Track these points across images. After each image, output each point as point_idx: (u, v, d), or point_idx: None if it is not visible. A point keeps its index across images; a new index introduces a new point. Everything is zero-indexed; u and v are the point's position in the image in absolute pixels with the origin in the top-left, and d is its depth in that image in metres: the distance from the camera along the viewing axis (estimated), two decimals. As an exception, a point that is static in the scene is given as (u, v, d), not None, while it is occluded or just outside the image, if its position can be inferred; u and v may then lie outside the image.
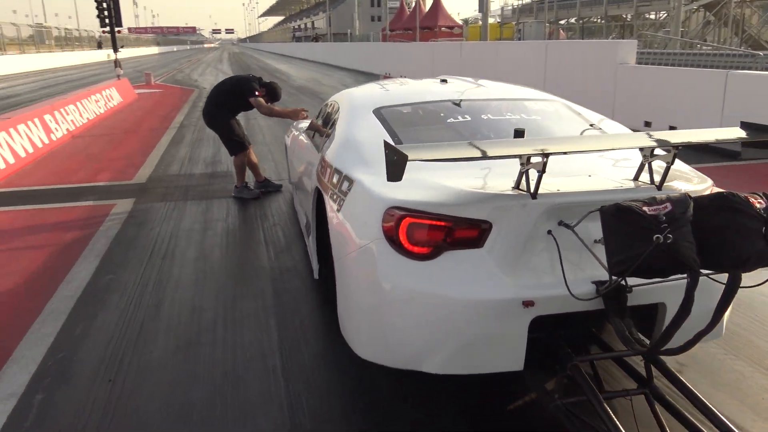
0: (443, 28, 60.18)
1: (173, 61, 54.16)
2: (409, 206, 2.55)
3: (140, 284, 4.46)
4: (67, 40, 59.20)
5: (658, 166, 2.62)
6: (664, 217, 2.01)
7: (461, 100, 3.86)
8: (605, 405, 2.33)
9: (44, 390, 3.12)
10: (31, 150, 9.22)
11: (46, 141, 10.03)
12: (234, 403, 2.99)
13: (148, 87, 23.42)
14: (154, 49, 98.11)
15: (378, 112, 3.71)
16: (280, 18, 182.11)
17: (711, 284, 2.29)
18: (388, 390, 3.10)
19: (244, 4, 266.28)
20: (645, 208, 2.03)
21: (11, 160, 8.39)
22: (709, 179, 2.91)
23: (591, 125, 3.65)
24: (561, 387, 2.52)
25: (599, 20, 42.93)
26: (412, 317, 2.56)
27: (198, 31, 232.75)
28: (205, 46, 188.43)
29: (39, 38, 56.10)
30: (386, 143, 2.35)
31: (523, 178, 2.48)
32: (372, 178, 2.91)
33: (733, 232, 2.05)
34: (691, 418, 2.40)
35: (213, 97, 6.78)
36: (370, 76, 28.46)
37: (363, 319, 2.79)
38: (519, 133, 3.10)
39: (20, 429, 2.82)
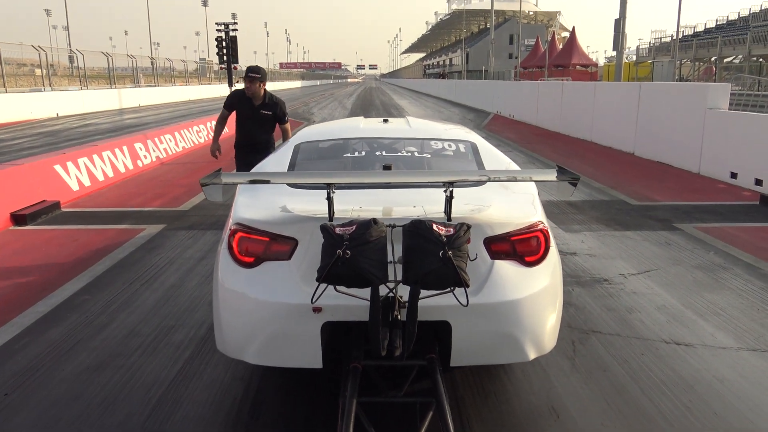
0: (577, 66, 58.85)
1: (307, 95, 57.11)
2: (243, 222, 3.05)
3: (105, 306, 4.79)
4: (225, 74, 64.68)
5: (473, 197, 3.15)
6: (348, 236, 2.44)
7: (371, 138, 4.23)
8: (353, 406, 2.66)
9: (-52, 396, 3.46)
10: (111, 175, 10.19)
11: (131, 167, 11.03)
12: (90, 429, 3.14)
13: (264, 119, 24.88)
14: (297, 83, 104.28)
15: (297, 146, 4.13)
16: (421, 54, 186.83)
17: (496, 308, 2.85)
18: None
19: (389, 41, 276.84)
20: (336, 229, 2.50)
21: (87, 183, 9.32)
22: (534, 217, 3.12)
23: (483, 166, 3.86)
24: (348, 385, 2.84)
25: (742, 59, 39.82)
26: (235, 313, 3.04)
27: (343, 67, 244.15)
28: (349, 80, 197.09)
29: (201, 72, 62.12)
30: (215, 171, 2.91)
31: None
32: (242, 199, 3.37)
33: (415, 253, 2.48)
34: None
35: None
36: (480, 113, 28.40)
37: (214, 315, 3.23)
38: (387, 167, 3.53)
39: None
